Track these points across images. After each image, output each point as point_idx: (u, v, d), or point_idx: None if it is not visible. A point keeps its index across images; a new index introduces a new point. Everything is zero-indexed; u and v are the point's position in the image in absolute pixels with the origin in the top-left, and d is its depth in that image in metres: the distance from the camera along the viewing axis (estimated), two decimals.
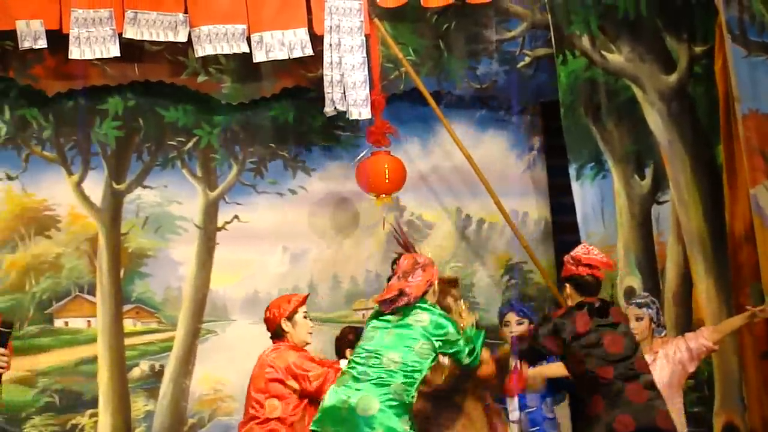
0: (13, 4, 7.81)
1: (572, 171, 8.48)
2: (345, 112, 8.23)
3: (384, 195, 8.40)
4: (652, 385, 6.37)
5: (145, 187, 8.65)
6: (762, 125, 7.97)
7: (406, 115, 8.95)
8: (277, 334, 6.69)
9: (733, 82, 7.97)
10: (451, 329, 6.38)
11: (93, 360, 8.38)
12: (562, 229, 9.10)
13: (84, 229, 8.53)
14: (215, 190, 8.82)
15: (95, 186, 8.56)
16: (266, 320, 6.76)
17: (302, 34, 8.21)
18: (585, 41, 8.47)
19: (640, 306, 7.18)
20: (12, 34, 7.84)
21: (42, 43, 7.82)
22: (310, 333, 6.78)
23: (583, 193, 8.47)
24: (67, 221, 8.47)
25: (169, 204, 8.66)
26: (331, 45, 8.22)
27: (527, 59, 8.94)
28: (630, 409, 6.21)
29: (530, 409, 7.27)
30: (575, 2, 8.48)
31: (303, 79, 8.57)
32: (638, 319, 7.13)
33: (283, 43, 8.18)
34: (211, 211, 8.76)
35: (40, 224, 8.41)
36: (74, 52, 7.88)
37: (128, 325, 8.53)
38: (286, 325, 6.65)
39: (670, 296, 8.46)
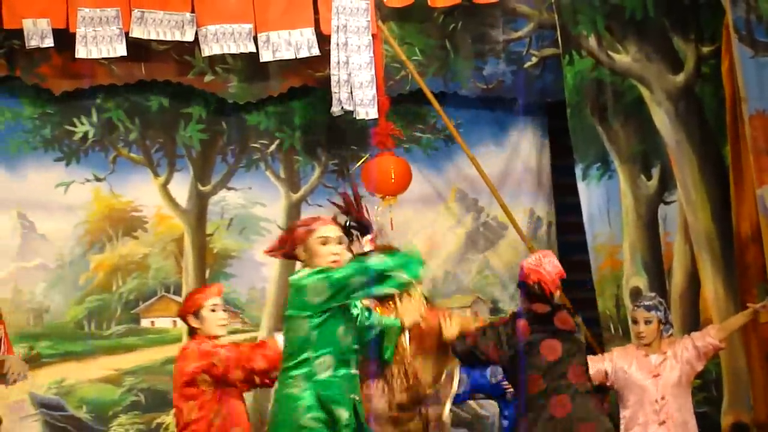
0: (20, 3, 7.85)
1: (578, 171, 8.49)
2: (352, 112, 8.24)
3: (390, 196, 8.40)
4: (582, 397, 6.26)
5: (229, 188, 8.77)
6: None
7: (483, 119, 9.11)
8: (190, 332, 6.55)
9: (740, 83, 7.96)
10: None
11: None
12: (568, 229, 9.10)
13: (170, 230, 8.66)
14: (298, 192, 8.89)
15: (181, 188, 8.70)
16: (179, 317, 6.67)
17: (309, 33, 8.23)
18: (592, 41, 8.48)
19: (648, 309, 7.15)
20: (19, 33, 7.85)
21: (49, 42, 7.85)
22: (223, 325, 6.55)
23: (589, 193, 8.48)
24: (153, 222, 8.61)
25: (253, 206, 8.76)
26: (338, 44, 8.24)
27: (534, 59, 8.94)
28: (549, 425, 6.16)
29: None
30: (582, 2, 8.49)
31: (310, 79, 8.56)
32: (647, 322, 7.11)
33: (289, 43, 8.20)
34: (293, 212, 8.82)
35: (128, 225, 8.54)
36: (81, 51, 7.92)
37: None
38: (193, 322, 6.47)
39: (677, 296, 8.46)
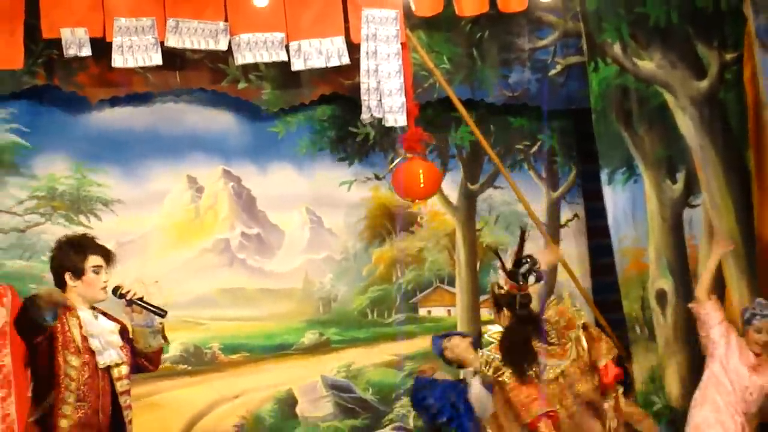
0: (58, 13, 7.95)
1: (604, 176, 8.61)
2: (382, 119, 8.37)
3: (419, 200, 8.63)
4: None
5: (495, 187, 9.36)
6: None
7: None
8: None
9: (762, 89, 8.08)
10: None
11: None
12: (594, 233, 9.28)
13: (443, 226, 9.39)
14: (557, 191, 9.43)
15: (452, 186, 9.33)
16: None
17: (339, 42, 8.37)
18: (617, 49, 8.59)
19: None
20: (57, 43, 7.99)
21: (86, 51, 7.97)
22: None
23: (614, 197, 8.60)
24: (428, 218, 9.30)
25: (517, 203, 9.13)
26: (367, 53, 8.37)
27: (559, 67, 9.11)
28: None
29: None
30: (608, 11, 8.59)
31: (341, 87, 8.73)
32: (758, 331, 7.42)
33: (320, 52, 8.34)
34: (553, 210, 9.42)
35: (405, 221, 9.19)
36: (117, 60, 8.04)
37: (484, 314, 9.18)
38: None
39: None
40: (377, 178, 9.09)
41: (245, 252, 8.88)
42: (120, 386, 6.37)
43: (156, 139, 8.72)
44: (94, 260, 6.37)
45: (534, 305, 6.82)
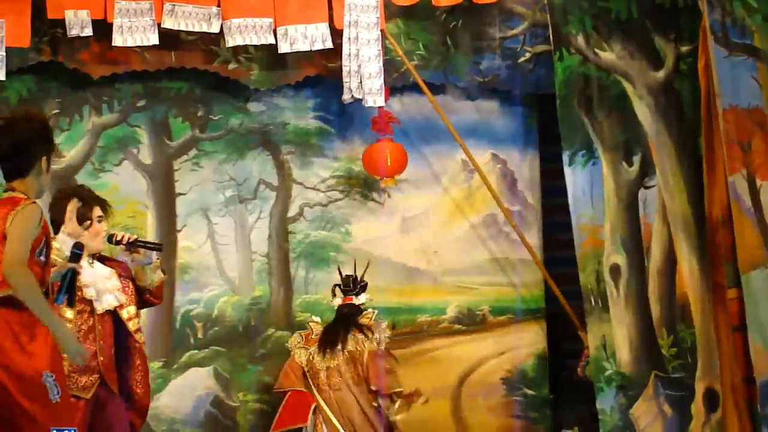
0: None
1: (565, 157, 9.00)
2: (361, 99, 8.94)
3: (387, 177, 9.27)
4: None
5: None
6: (740, 119, 8.42)
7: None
8: None
9: (715, 80, 8.42)
10: None
11: None
12: (554, 210, 9.80)
13: None
14: None
15: None
16: None
17: (323, 28, 8.87)
18: (580, 40, 9.00)
19: None
20: (61, 23, 8.51)
21: (88, 31, 8.48)
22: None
23: (574, 177, 8.99)
24: None
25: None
26: (349, 38, 8.87)
27: (527, 55, 9.56)
28: None
29: None
30: (572, 4, 8.99)
31: (324, 69, 9.25)
32: None
33: (306, 36, 8.83)
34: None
35: None
36: (117, 40, 8.55)
37: None
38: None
39: (655, 272, 8.95)
40: None
41: (508, 226, 9.62)
42: (132, 325, 6.81)
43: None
44: (97, 211, 6.82)
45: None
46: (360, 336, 8.80)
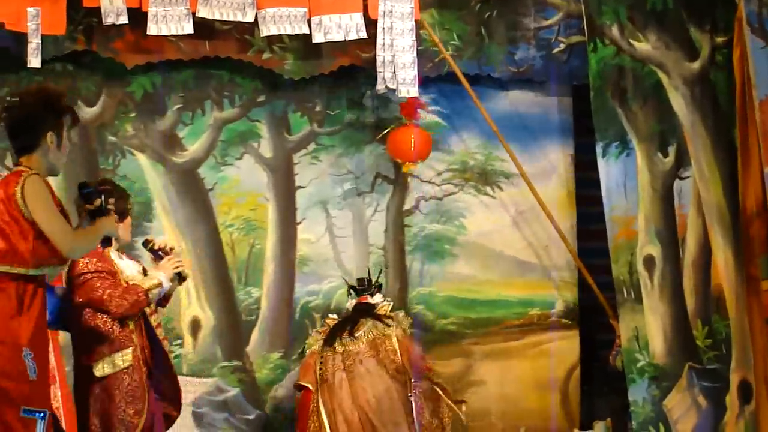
0: None
1: (599, 149, 9.01)
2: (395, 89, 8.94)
3: (409, 162, 9.32)
4: None
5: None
6: None
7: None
8: None
9: (751, 71, 8.44)
10: None
11: None
12: (587, 201, 9.79)
13: None
14: None
15: None
16: None
17: (357, 18, 8.89)
18: (615, 30, 9.01)
19: None
20: (96, 12, 8.55)
21: (123, 19, 8.50)
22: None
23: (607, 169, 9.01)
24: None
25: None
26: (383, 28, 8.88)
27: (562, 46, 9.57)
28: None
29: None
30: None
31: (358, 59, 9.27)
32: None
33: (340, 26, 8.84)
34: None
35: None
36: (152, 29, 8.58)
37: None
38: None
39: (690, 263, 8.98)
40: None
41: None
42: (153, 321, 6.93)
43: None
44: (129, 203, 6.93)
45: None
46: (380, 325, 8.82)
